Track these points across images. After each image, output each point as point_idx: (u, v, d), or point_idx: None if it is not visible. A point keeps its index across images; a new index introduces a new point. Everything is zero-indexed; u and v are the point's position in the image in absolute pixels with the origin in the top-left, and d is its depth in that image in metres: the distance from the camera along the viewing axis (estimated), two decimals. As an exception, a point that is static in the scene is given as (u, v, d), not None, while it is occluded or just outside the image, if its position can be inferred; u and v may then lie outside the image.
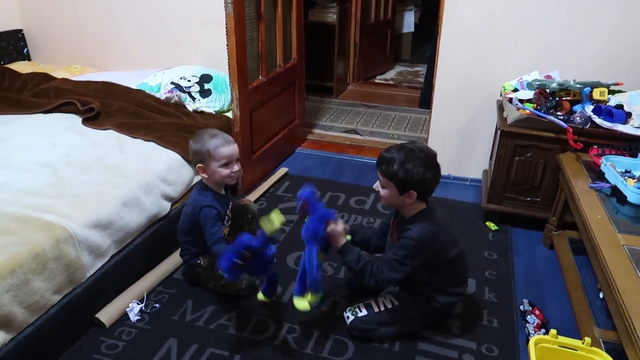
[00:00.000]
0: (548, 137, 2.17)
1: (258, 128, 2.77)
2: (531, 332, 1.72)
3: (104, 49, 3.43)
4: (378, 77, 5.38)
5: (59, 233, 1.58)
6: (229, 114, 2.66)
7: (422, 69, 5.54)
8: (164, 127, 2.40)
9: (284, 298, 1.91)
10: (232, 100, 2.53)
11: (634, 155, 1.97)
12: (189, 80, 2.77)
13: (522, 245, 2.32)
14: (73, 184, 1.87)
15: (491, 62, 2.64)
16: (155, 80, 2.85)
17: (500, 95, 2.60)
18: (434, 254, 1.61)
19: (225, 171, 1.78)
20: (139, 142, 2.27)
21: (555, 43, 2.51)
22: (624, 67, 2.43)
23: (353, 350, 1.67)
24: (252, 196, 2.62)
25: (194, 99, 2.72)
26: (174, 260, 2.05)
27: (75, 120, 2.47)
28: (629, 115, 2.11)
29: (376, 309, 1.70)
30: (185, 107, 2.70)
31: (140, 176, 2.00)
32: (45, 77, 2.95)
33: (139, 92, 2.76)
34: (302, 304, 1.57)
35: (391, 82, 5.26)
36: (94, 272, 1.72)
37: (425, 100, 4.13)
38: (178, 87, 2.75)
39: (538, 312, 1.80)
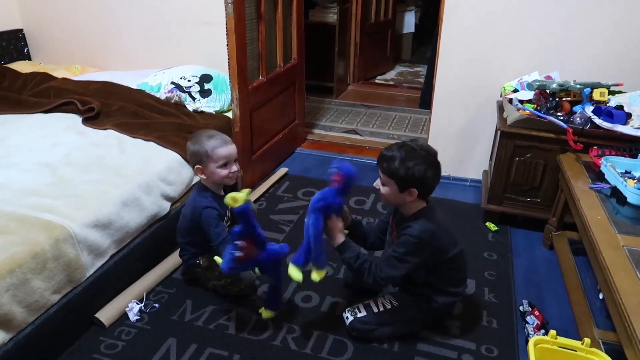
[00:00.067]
0: (548, 137, 2.17)
1: (258, 128, 2.77)
2: (531, 332, 1.72)
3: (104, 49, 3.43)
4: (378, 77, 5.38)
5: (59, 232, 1.58)
6: (229, 114, 2.66)
7: (422, 70, 5.54)
8: (164, 127, 2.40)
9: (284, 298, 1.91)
10: (232, 100, 2.53)
11: (634, 156, 1.97)
12: (189, 80, 2.77)
13: (521, 245, 2.32)
14: (73, 183, 1.87)
15: (491, 63, 2.64)
16: (156, 80, 2.85)
17: (500, 96, 2.59)
18: (433, 253, 1.60)
19: (223, 172, 1.78)
20: (139, 142, 2.27)
21: (556, 44, 2.51)
22: (624, 68, 2.43)
23: (352, 351, 1.67)
24: (252, 196, 2.62)
25: (194, 98, 2.72)
26: (173, 260, 2.05)
27: (75, 120, 2.47)
28: (629, 116, 2.10)
29: (375, 310, 1.70)
30: (185, 107, 2.70)
31: (140, 176, 2.00)
32: (46, 77, 2.96)
33: (139, 92, 2.76)
34: (296, 274, 1.55)
35: (391, 83, 5.26)
36: (94, 272, 1.72)
37: (425, 100, 4.13)
38: (178, 87, 2.75)
39: (538, 313, 1.80)
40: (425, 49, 6.19)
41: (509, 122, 2.23)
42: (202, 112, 2.69)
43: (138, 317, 1.78)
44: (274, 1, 2.80)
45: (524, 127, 2.19)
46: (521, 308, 1.85)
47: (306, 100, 3.64)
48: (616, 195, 1.78)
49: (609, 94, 2.21)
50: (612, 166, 1.87)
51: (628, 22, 2.37)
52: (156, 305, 1.85)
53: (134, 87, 2.83)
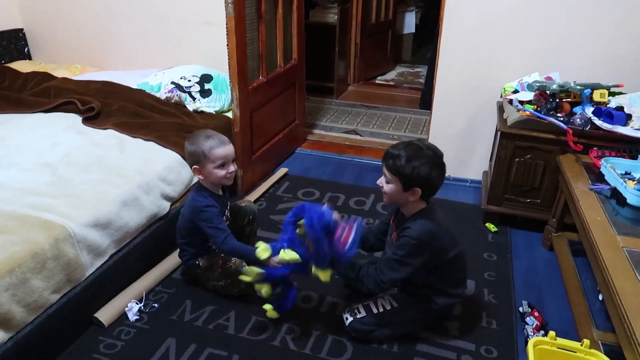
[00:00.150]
0: (548, 138, 2.17)
1: (258, 128, 2.77)
2: (530, 333, 1.72)
3: (104, 49, 3.43)
4: (379, 77, 5.38)
5: (58, 232, 1.58)
6: (229, 114, 2.66)
7: (422, 70, 5.54)
8: (164, 127, 2.40)
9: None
10: (232, 101, 2.53)
11: (634, 157, 1.97)
12: (189, 80, 2.77)
13: (521, 246, 2.32)
14: (73, 183, 1.87)
15: (491, 64, 2.64)
16: (156, 80, 2.85)
17: (501, 97, 2.59)
18: (433, 254, 1.60)
19: (221, 172, 1.78)
20: (139, 142, 2.27)
21: (556, 44, 2.51)
22: (624, 69, 2.43)
23: (352, 351, 1.67)
24: (252, 196, 2.62)
25: (194, 98, 2.72)
26: (173, 260, 2.05)
27: (75, 119, 2.47)
28: (629, 117, 2.10)
29: (375, 310, 1.70)
30: (185, 107, 2.70)
31: (139, 176, 2.00)
32: (46, 77, 2.96)
33: (140, 92, 2.76)
34: (291, 254, 1.58)
35: (392, 83, 5.26)
36: (93, 272, 1.72)
37: (425, 101, 4.13)
38: (178, 87, 2.75)
39: (537, 314, 1.80)
40: (425, 49, 6.19)
41: (509, 123, 2.23)
42: (202, 112, 2.69)
43: (137, 317, 1.78)
44: (275, 1, 2.81)
45: (524, 128, 2.19)
46: (521, 309, 1.85)
47: (306, 100, 3.64)
48: (616, 196, 1.78)
49: (609, 95, 2.21)
50: (612, 167, 1.87)
51: (628, 23, 2.37)
52: (155, 305, 1.85)
53: (134, 87, 2.83)
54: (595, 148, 2.07)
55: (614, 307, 1.29)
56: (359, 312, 1.70)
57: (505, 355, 1.68)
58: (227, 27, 2.34)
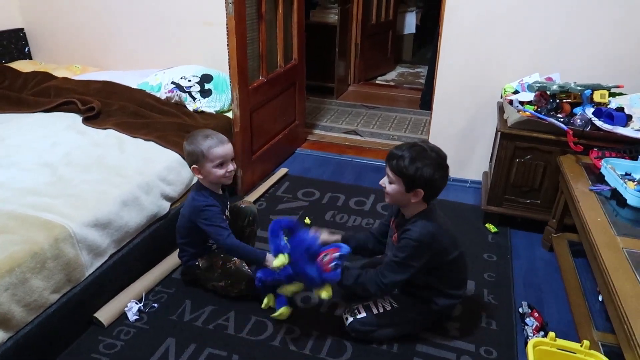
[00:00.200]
0: (548, 139, 2.17)
1: (258, 128, 2.77)
2: (530, 334, 1.72)
3: (104, 49, 3.43)
4: (379, 78, 5.38)
5: (58, 232, 1.58)
6: (229, 114, 2.66)
7: (423, 71, 5.54)
8: (164, 127, 2.40)
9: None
10: (232, 101, 2.53)
11: (634, 158, 1.97)
12: (189, 80, 2.77)
13: (521, 247, 2.32)
14: (73, 183, 1.87)
15: (492, 64, 2.64)
16: (156, 80, 2.85)
17: (501, 97, 2.59)
18: (434, 255, 1.60)
19: (220, 171, 1.78)
20: (139, 142, 2.27)
21: (556, 45, 2.51)
22: (624, 70, 2.43)
23: (351, 352, 1.67)
24: (252, 196, 2.62)
25: (194, 98, 2.72)
26: (172, 260, 2.05)
27: (75, 119, 2.47)
28: (629, 117, 2.10)
29: (375, 311, 1.70)
30: (185, 107, 2.70)
31: (139, 176, 2.00)
32: (46, 76, 2.96)
33: (140, 92, 2.76)
34: (279, 260, 1.62)
35: (392, 84, 5.26)
36: (93, 272, 1.72)
37: (426, 101, 4.14)
38: (178, 86, 2.75)
39: (537, 315, 1.80)
40: (426, 50, 6.19)
41: (509, 124, 2.23)
42: (202, 112, 2.69)
43: (137, 317, 1.78)
44: (275, 1, 2.81)
45: (524, 128, 2.19)
46: (520, 310, 1.85)
47: (306, 100, 3.64)
48: (616, 197, 1.78)
49: (609, 96, 2.21)
50: (612, 168, 1.87)
51: (629, 23, 2.37)
52: (155, 305, 1.85)
53: (135, 86, 2.83)
54: (595, 149, 2.07)
55: (614, 308, 1.29)
56: (359, 313, 1.70)
57: (504, 356, 1.68)
58: (227, 27, 2.34)
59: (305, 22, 3.21)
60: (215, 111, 2.73)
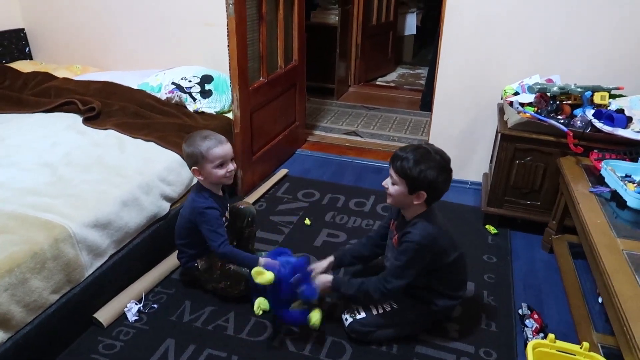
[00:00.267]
0: (548, 140, 2.17)
1: (258, 129, 2.77)
2: (529, 336, 1.72)
3: (105, 49, 3.43)
4: (379, 79, 5.38)
5: (58, 232, 1.58)
6: (230, 115, 2.67)
7: (423, 72, 5.54)
8: (165, 128, 2.40)
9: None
10: (232, 101, 2.53)
11: (634, 160, 1.97)
12: (189, 81, 2.78)
13: (521, 248, 2.32)
14: (73, 183, 1.87)
15: (492, 65, 2.64)
16: (156, 81, 2.85)
17: (501, 99, 2.59)
18: (434, 257, 1.60)
19: (220, 172, 1.78)
20: (139, 142, 2.27)
21: (557, 46, 2.51)
22: (625, 71, 2.43)
23: (351, 353, 1.67)
24: (252, 197, 2.62)
25: (194, 99, 2.72)
26: (172, 260, 2.05)
27: (76, 119, 2.47)
28: (629, 119, 2.10)
29: (375, 312, 1.70)
30: (185, 107, 2.70)
31: (139, 176, 2.00)
32: (47, 77, 2.96)
33: (140, 92, 2.76)
34: (266, 276, 1.61)
35: (392, 85, 5.26)
36: (93, 272, 1.72)
37: (426, 102, 4.13)
38: (179, 87, 2.75)
39: (537, 316, 1.79)
40: (426, 51, 6.20)
41: (509, 125, 2.23)
42: (202, 112, 2.69)
43: (137, 318, 1.78)
44: (276, 2, 2.81)
45: (525, 130, 2.19)
46: (520, 311, 1.85)
47: (307, 101, 3.64)
48: (616, 199, 1.78)
49: (609, 98, 2.21)
50: (612, 170, 1.87)
51: (629, 25, 2.37)
52: (155, 305, 1.85)
53: (135, 87, 2.83)
54: (595, 150, 2.06)
55: (614, 310, 1.29)
56: (359, 313, 1.70)
57: (504, 357, 1.68)
58: (227, 28, 2.34)
59: (306, 23, 3.21)
60: (216, 112, 2.73)
